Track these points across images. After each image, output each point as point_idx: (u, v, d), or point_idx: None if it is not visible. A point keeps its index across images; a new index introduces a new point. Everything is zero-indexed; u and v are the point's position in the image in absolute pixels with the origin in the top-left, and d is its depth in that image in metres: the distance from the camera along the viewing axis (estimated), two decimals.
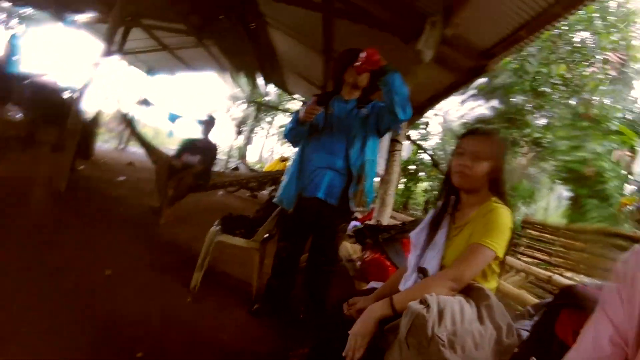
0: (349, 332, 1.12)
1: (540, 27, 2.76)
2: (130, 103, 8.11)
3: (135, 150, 12.06)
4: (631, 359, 0.54)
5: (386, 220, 3.26)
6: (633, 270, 0.57)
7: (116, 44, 5.49)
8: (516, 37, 3.01)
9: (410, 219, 3.94)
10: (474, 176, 1.28)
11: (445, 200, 1.41)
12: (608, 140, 6.99)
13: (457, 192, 1.39)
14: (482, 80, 7.51)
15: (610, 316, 0.58)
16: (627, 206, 6.61)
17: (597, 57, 7.32)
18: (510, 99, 7.79)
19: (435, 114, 11.64)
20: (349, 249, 2.97)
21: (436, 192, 13.45)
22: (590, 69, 7.31)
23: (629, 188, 7.03)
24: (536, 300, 1.43)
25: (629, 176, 6.81)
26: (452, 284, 1.12)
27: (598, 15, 7.10)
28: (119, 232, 3.21)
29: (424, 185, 14.81)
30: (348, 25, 4.28)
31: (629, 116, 7.22)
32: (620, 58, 7.13)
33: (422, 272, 1.31)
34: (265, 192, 8.36)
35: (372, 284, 1.64)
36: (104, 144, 11.69)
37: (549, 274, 2.04)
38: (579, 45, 7.37)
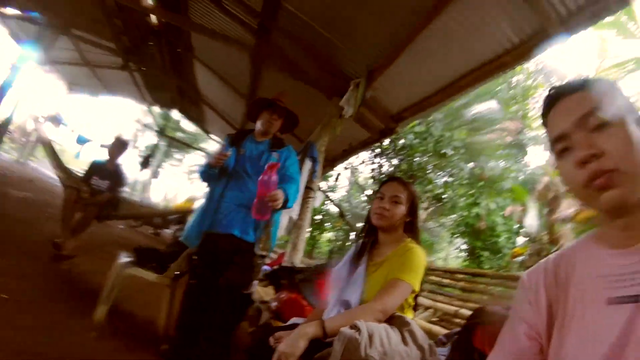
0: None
1: (447, 97, 3.20)
2: (43, 115, 7.25)
3: (37, 166, 10.64)
4: (545, 347, 0.67)
5: (298, 264, 3.33)
6: (536, 280, 0.72)
7: (40, 50, 4.99)
8: (424, 104, 3.45)
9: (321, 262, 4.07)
10: (392, 218, 1.43)
11: (365, 239, 1.52)
12: (501, 197, 8.14)
13: (375, 232, 1.51)
14: (388, 140, 8.23)
15: (522, 316, 0.70)
16: (520, 256, 7.66)
17: (497, 124, 8.63)
18: (414, 158, 8.66)
19: (346, 168, 12.27)
20: (260, 291, 2.96)
21: (340, 242, 13.99)
22: (489, 136, 8.59)
23: (520, 240, 8.19)
24: (446, 331, 1.55)
25: (522, 229, 7.93)
26: (379, 314, 1.20)
27: (505, 85, 8.45)
28: (16, 257, 2.83)
29: (328, 235, 15.27)
30: (275, 74, 4.49)
31: (522, 177, 8.54)
32: (516, 127, 8.52)
33: (345, 304, 1.37)
34: (169, 231, 7.91)
35: (294, 320, 1.65)
36: (4, 154, 10.11)
37: (456, 308, 2.23)
38: (481, 114, 8.63)
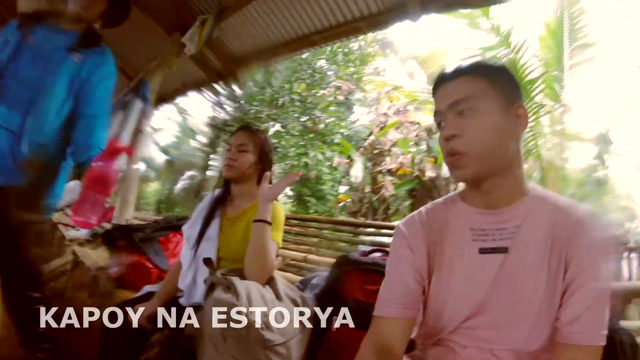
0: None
1: (296, 50, 3.25)
2: None
3: None
4: (426, 289, 0.79)
5: (132, 220, 2.96)
6: (414, 230, 0.82)
7: None
8: (271, 53, 3.40)
9: (156, 218, 3.68)
10: (240, 167, 1.37)
11: (219, 194, 1.46)
12: (330, 150, 9.05)
13: (228, 186, 1.45)
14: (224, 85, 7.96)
15: (407, 262, 0.80)
16: (343, 202, 8.83)
17: (331, 83, 9.33)
18: (250, 107, 8.61)
19: (179, 112, 11.30)
20: (92, 255, 2.53)
21: (167, 192, 12.96)
22: (323, 92, 9.25)
23: (343, 188, 9.43)
24: (299, 278, 1.67)
25: (346, 178, 9.15)
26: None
27: (341, 50, 9.01)
28: None
29: (154, 185, 13.97)
30: None
31: (349, 133, 9.65)
32: (349, 87, 9.39)
33: (208, 263, 1.30)
34: None
35: (148, 288, 1.50)
36: None
37: (304, 254, 2.42)
38: (319, 71, 9.10)
